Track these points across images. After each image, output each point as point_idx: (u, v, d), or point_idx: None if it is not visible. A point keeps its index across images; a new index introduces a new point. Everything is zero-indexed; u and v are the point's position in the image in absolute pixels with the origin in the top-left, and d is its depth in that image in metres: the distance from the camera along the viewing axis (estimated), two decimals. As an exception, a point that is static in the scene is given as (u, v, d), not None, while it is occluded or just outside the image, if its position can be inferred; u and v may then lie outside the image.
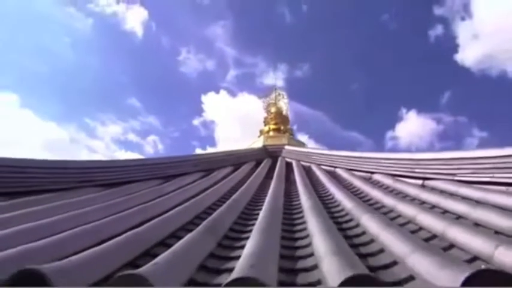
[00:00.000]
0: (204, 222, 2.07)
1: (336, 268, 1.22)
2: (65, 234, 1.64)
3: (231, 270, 1.33)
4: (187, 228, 2.20)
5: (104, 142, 29.00)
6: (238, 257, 1.54)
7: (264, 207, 2.68)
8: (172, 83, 32.18)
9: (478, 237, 1.55)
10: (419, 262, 1.30)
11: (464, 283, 1.00)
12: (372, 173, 4.31)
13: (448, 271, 1.10)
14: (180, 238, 1.77)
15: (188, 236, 1.78)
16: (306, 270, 1.50)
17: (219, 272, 1.52)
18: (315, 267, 1.48)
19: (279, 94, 9.26)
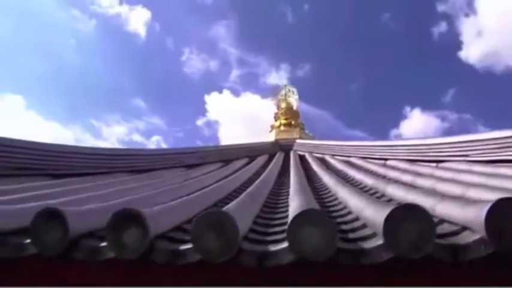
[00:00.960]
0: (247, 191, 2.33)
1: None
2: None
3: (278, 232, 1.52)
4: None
5: (109, 142, 29.27)
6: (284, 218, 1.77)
7: (292, 187, 2.92)
8: (175, 83, 32.51)
9: (495, 193, 1.79)
10: (446, 207, 1.54)
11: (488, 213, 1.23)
12: (386, 159, 4.55)
13: (472, 208, 1.33)
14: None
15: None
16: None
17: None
18: (355, 218, 1.71)
19: (289, 90, 9.57)
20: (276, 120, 8.99)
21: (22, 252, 1.23)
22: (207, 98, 33.88)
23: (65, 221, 1.19)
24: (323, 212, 1.13)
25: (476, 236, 1.11)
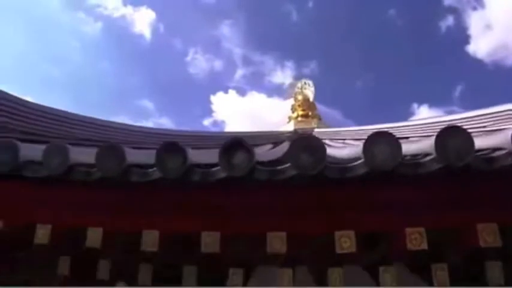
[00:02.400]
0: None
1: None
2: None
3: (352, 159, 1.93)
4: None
5: (117, 145, 29.77)
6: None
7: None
8: (182, 83, 33.01)
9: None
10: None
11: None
12: (408, 138, 4.89)
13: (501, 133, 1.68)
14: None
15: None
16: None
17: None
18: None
19: (305, 83, 9.96)
20: (293, 112, 9.39)
21: (151, 177, 1.62)
22: (212, 98, 34.35)
23: (184, 152, 1.58)
24: (390, 133, 1.50)
25: (505, 152, 1.47)
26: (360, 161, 1.50)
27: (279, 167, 1.54)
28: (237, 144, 1.54)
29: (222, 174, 1.55)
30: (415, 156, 1.59)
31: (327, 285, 2.03)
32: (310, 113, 9.20)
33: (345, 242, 1.53)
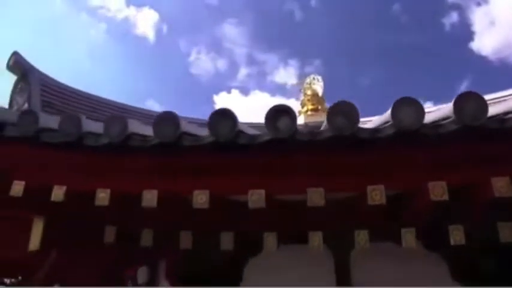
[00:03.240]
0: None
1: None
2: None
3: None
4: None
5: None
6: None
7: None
8: (186, 84, 33.37)
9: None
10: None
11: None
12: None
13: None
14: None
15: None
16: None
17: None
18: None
19: (314, 78, 10.24)
20: (302, 107, 9.65)
21: (202, 141, 1.86)
22: (216, 98, 34.60)
23: (234, 116, 1.83)
24: (414, 99, 1.73)
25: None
26: (388, 124, 1.74)
27: (318, 130, 1.79)
28: (281, 110, 1.78)
29: (268, 137, 1.79)
30: (436, 120, 1.83)
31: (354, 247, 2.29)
32: (319, 107, 9.47)
33: (376, 195, 1.76)
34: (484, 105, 1.66)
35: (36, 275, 3.63)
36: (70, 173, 2.10)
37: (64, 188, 2.07)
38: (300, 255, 3.55)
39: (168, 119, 1.87)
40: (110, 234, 2.55)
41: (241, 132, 1.84)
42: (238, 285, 3.60)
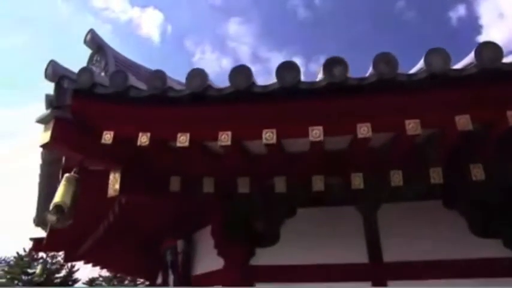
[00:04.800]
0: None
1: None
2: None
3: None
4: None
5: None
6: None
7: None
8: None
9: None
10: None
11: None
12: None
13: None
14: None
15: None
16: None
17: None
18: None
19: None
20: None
21: (269, 88, 2.32)
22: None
23: (298, 68, 2.28)
24: (443, 48, 2.17)
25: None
26: (421, 69, 2.19)
27: (365, 76, 2.24)
28: (335, 60, 2.24)
29: (324, 82, 2.25)
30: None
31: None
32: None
33: (413, 127, 2.20)
34: (500, 51, 2.10)
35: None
36: (154, 123, 2.55)
37: (149, 134, 2.52)
38: (330, 216, 4.00)
39: (240, 70, 2.33)
40: (175, 183, 3.01)
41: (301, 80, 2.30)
42: (275, 244, 4.01)
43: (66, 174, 2.71)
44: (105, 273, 29.67)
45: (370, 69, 2.22)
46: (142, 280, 28.65)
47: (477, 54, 2.12)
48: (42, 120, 2.69)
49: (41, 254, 25.39)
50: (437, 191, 3.66)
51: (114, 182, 2.90)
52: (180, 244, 5.15)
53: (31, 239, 6.21)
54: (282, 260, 3.88)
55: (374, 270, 3.71)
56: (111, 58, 3.20)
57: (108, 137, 2.59)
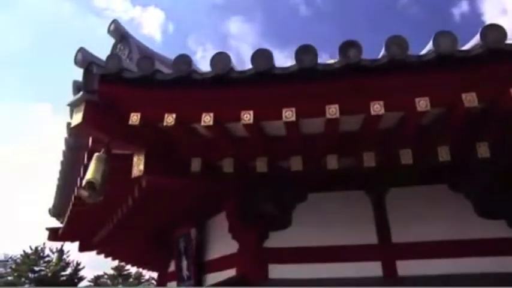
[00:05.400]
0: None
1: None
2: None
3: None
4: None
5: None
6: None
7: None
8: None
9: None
10: None
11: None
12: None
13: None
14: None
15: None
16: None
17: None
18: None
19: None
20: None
21: (290, 70, 2.49)
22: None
23: (315, 50, 2.46)
24: (451, 31, 2.34)
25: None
26: (430, 50, 2.37)
27: (378, 57, 2.42)
28: (350, 43, 2.41)
29: (340, 64, 2.42)
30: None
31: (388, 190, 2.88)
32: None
33: (422, 103, 2.37)
34: (504, 32, 2.27)
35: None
36: (179, 104, 2.73)
37: (174, 115, 2.70)
38: (340, 201, 4.17)
39: (262, 54, 2.51)
40: (196, 164, 3.18)
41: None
42: (287, 227, 4.18)
43: (96, 153, 2.88)
44: (109, 271, 29.95)
45: (383, 51, 2.39)
46: (146, 278, 29.07)
47: (482, 36, 2.30)
48: (73, 104, 2.87)
49: (47, 252, 25.76)
50: (444, 174, 3.84)
51: (139, 163, 3.08)
52: (193, 232, 5.33)
53: (47, 228, 6.39)
54: (294, 242, 4.05)
55: (383, 251, 3.88)
56: (134, 46, 3.39)
57: (135, 118, 2.77)
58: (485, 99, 2.43)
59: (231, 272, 4.34)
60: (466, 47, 2.53)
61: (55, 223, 6.40)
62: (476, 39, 2.37)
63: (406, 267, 3.74)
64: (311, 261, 3.96)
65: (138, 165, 3.08)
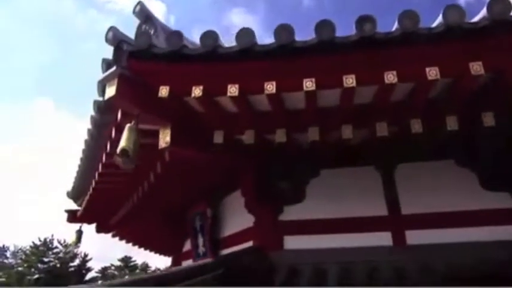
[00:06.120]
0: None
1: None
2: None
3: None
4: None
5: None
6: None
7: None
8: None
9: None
10: None
11: None
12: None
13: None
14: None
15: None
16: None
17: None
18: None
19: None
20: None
21: (308, 43, 2.70)
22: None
23: (332, 23, 2.66)
24: (459, 5, 2.55)
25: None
26: (439, 23, 2.57)
27: (391, 30, 2.62)
28: (365, 18, 2.62)
29: (356, 36, 2.63)
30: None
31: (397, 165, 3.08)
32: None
33: (433, 72, 2.57)
34: (509, 5, 2.47)
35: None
36: (206, 77, 2.94)
37: (201, 87, 2.92)
38: (351, 176, 4.39)
39: (284, 28, 2.72)
40: (218, 136, 3.41)
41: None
42: (301, 201, 4.40)
43: (128, 124, 3.10)
44: (116, 262, 30.40)
45: (395, 25, 2.60)
46: (153, 269, 29.48)
47: (489, 9, 2.49)
48: (106, 78, 3.09)
49: (55, 244, 26.22)
50: (450, 149, 4.05)
51: (165, 135, 3.30)
52: (208, 211, 5.58)
53: (66, 211, 6.64)
54: (308, 215, 4.28)
55: (393, 222, 4.10)
56: (159, 26, 3.60)
57: (164, 91, 2.99)
58: (491, 68, 2.62)
59: (247, 245, 4.58)
60: (473, 19, 2.72)
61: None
62: (483, 13, 2.57)
63: (414, 237, 3.97)
64: (324, 232, 4.19)
65: (165, 138, 3.30)
